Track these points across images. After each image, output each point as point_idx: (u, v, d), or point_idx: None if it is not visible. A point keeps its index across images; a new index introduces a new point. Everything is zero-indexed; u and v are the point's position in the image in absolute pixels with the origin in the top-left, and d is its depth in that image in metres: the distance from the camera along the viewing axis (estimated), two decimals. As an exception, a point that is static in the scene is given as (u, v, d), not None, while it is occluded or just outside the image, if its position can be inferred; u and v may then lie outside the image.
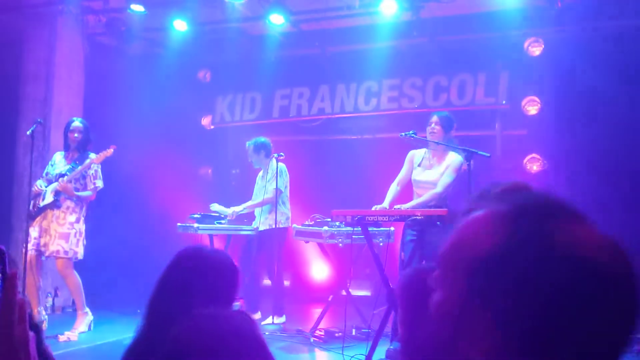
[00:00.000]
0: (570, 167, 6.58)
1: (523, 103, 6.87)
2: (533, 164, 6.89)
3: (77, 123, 5.68)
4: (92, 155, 5.55)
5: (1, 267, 1.00)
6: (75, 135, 5.62)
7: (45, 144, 6.84)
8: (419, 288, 1.74)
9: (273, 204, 5.93)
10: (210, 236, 6.04)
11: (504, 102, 6.87)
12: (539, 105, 6.81)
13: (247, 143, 6.23)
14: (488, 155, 4.34)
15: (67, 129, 5.67)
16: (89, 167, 5.53)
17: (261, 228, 6.03)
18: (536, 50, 6.81)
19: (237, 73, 7.94)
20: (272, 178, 5.99)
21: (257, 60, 7.73)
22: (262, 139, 6.22)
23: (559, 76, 6.64)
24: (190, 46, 7.53)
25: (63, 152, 5.75)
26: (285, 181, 6.07)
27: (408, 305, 1.75)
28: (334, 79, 7.62)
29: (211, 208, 6.21)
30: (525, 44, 6.80)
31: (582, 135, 6.48)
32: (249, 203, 6.17)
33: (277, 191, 5.91)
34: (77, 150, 5.64)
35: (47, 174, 5.68)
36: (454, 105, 6.97)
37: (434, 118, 4.76)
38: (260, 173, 6.30)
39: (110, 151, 5.56)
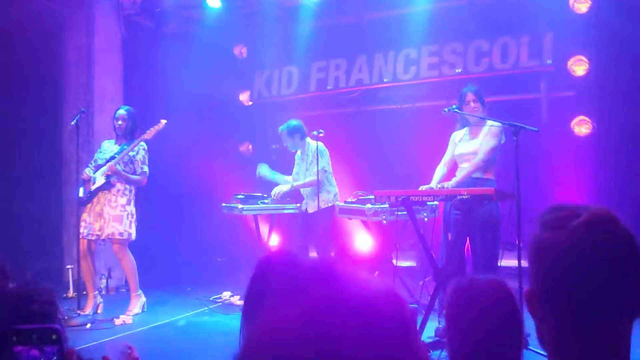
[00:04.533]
0: (621, 128, 6.32)
1: (569, 64, 6.58)
2: (581, 127, 6.64)
3: (121, 111, 5.78)
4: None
5: (58, 346, 1.01)
6: (120, 122, 5.71)
7: (89, 129, 6.98)
8: (465, 304, 1.71)
9: (319, 185, 5.89)
10: (255, 216, 6.10)
11: (549, 62, 6.60)
12: (587, 65, 6.52)
13: (280, 128, 6.14)
14: (536, 130, 4.18)
15: (113, 118, 5.78)
16: (138, 146, 5.61)
17: (310, 210, 6.01)
18: (582, 7, 6.48)
19: (273, 47, 7.87)
20: (312, 159, 5.94)
21: (292, 32, 7.63)
22: (294, 121, 6.11)
23: (607, 34, 6.32)
24: (225, 22, 7.48)
25: (112, 140, 5.86)
26: (327, 160, 6.02)
27: (455, 321, 1.73)
28: (371, 48, 7.46)
29: (259, 171, 6.20)
30: (571, 1, 6.48)
31: (633, 95, 6.20)
32: (295, 183, 6.11)
33: (322, 172, 5.88)
34: (125, 137, 5.73)
35: (95, 161, 5.80)
36: (497, 70, 6.75)
37: (471, 96, 4.60)
38: (298, 153, 6.23)
39: (161, 125, 5.64)
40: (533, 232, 1.13)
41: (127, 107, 5.85)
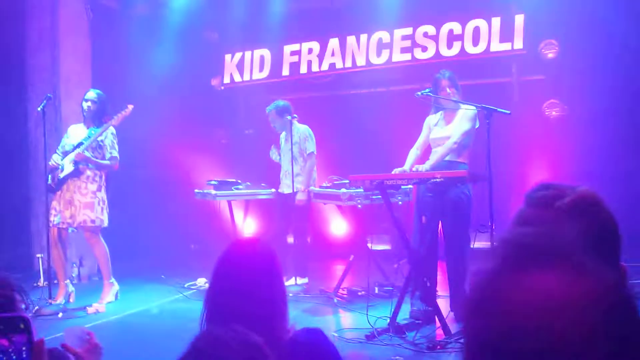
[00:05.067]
0: (591, 111, 6.42)
1: (540, 47, 6.65)
2: (552, 110, 6.73)
3: (91, 93, 5.65)
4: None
5: (27, 336, 0.97)
6: (89, 104, 5.58)
7: (56, 114, 6.80)
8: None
9: (311, 169, 5.96)
10: (229, 202, 6.05)
11: (520, 46, 6.65)
12: (557, 48, 6.59)
13: (268, 108, 6.06)
14: (508, 112, 4.21)
15: (83, 100, 5.65)
16: (106, 131, 5.49)
17: (286, 191, 5.98)
18: (553, -10, 6.53)
19: (244, 31, 7.76)
20: (298, 141, 5.94)
21: (264, 14, 7.54)
22: (282, 101, 6.08)
23: (578, 17, 6.39)
24: (195, 5, 7.34)
25: (80, 124, 5.72)
26: (315, 143, 6.03)
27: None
28: (344, 30, 7.42)
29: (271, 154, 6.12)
30: (542, -16, 6.52)
31: (603, 78, 6.29)
32: (300, 178, 5.93)
33: (311, 156, 5.94)
34: (93, 121, 5.60)
35: (62, 147, 5.67)
36: (469, 54, 6.78)
37: (445, 82, 4.60)
38: (283, 135, 6.17)
39: (128, 110, 5.52)
40: (519, 207, 1.14)
41: (98, 91, 5.72)
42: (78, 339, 1.77)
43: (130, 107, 5.54)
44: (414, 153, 4.81)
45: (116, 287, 5.65)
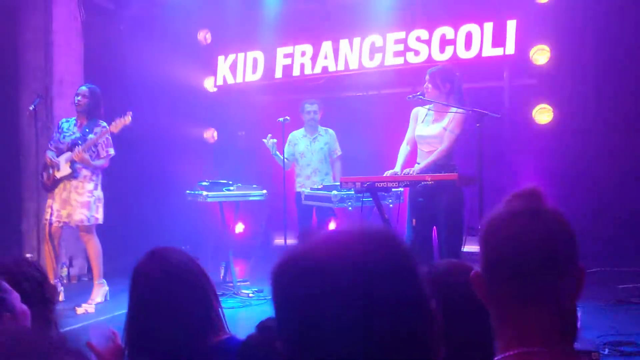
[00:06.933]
0: (581, 117, 6.47)
1: (532, 52, 6.68)
2: (542, 115, 6.76)
3: (83, 87, 5.66)
4: (104, 124, 5.53)
5: None
6: (79, 98, 5.56)
7: (48, 114, 6.80)
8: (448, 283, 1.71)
9: (335, 170, 6.35)
10: (220, 203, 6.04)
11: (512, 52, 6.68)
12: (549, 54, 6.62)
13: (309, 104, 6.30)
14: (498, 116, 4.24)
15: (75, 94, 5.64)
16: (102, 136, 5.49)
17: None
18: (545, -4, 6.58)
19: (237, 32, 7.76)
20: (329, 141, 6.31)
21: (257, 17, 7.54)
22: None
23: (570, 23, 6.44)
24: (189, 5, 7.34)
25: (72, 119, 5.70)
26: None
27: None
28: (337, 34, 7.43)
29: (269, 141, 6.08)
30: (533, -9, 6.57)
31: (594, 84, 6.34)
32: (329, 177, 6.25)
33: (339, 159, 6.39)
34: (85, 116, 5.58)
35: (55, 141, 5.64)
36: (461, 58, 6.81)
37: (426, 77, 4.62)
38: (300, 135, 6.27)
39: (127, 119, 5.49)
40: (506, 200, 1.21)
41: (90, 85, 5.71)
42: (103, 336, 1.78)
43: (130, 114, 5.50)
44: (404, 150, 4.80)
45: (106, 287, 5.63)
